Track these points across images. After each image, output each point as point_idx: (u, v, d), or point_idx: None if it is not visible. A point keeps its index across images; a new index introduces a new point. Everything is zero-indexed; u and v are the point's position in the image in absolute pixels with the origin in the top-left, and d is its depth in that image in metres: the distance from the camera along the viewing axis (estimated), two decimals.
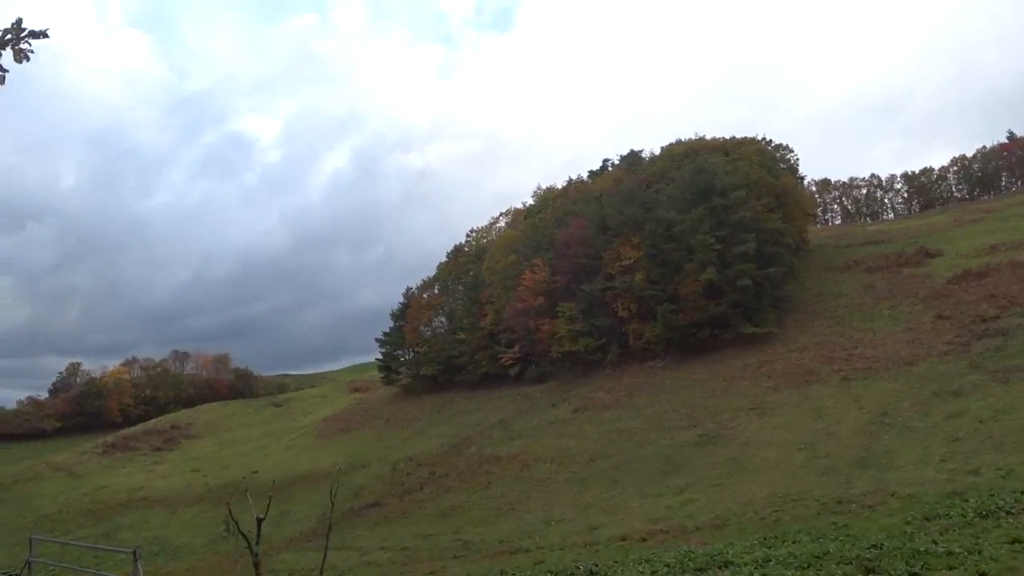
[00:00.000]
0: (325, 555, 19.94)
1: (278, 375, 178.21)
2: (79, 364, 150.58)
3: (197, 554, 53.09)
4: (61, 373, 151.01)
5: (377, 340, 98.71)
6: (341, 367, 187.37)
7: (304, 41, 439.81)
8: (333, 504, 28.73)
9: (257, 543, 14.88)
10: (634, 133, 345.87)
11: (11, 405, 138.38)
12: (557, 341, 72.36)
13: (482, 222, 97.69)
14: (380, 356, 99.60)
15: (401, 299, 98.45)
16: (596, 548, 30.10)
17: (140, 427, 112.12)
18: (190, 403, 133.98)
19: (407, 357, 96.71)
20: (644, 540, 30.28)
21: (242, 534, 14.94)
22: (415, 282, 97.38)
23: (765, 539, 21.39)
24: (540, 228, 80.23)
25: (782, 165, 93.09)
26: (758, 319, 66.84)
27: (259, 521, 14.84)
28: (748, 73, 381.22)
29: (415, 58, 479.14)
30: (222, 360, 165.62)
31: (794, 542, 19.79)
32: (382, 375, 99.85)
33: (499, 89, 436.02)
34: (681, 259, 69.18)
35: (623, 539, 31.41)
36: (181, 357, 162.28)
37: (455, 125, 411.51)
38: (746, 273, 66.73)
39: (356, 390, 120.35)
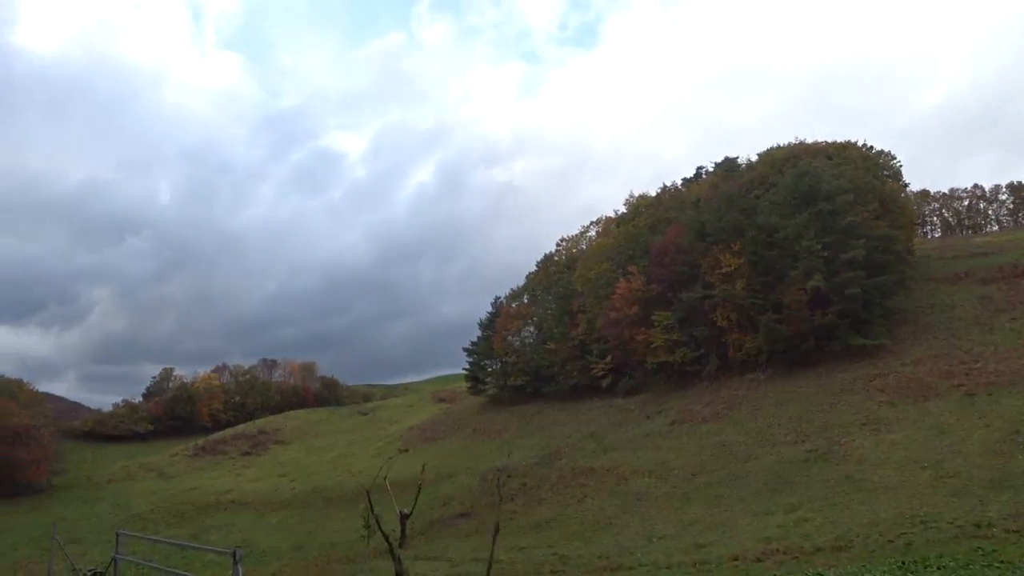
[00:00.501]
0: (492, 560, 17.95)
1: (363, 385, 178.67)
2: (172, 369, 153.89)
3: (283, 559, 52.11)
4: (155, 378, 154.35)
5: (465, 349, 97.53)
6: (424, 378, 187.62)
7: (391, 59, 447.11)
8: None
9: (402, 542, 13.03)
10: (718, 145, 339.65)
11: (108, 408, 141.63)
12: (652, 351, 69.59)
13: (567, 235, 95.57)
14: (467, 366, 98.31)
15: (489, 309, 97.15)
16: (707, 568, 27.76)
17: (229, 431, 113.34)
18: (277, 410, 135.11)
19: (494, 367, 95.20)
20: (759, 561, 27.78)
21: (382, 533, 13.01)
22: (498, 296, 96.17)
23: (903, 564, 19.59)
24: (634, 235, 77.76)
25: (885, 172, 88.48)
26: (867, 330, 62.91)
27: (403, 517, 12.93)
28: (836, 85, 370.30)
29: (500, 75, 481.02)
30: (309, 368, 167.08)
31: (939, 568, 18.20)
32: (469, 385, 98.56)
33: (583, 104, 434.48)
34: (785, 266, 65.74)
35: (735, 559, 28.86)
36: (269, 365, 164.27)
37: (539, 140, 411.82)
38: (855, 281, 62.93)
39: (441, 400, 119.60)
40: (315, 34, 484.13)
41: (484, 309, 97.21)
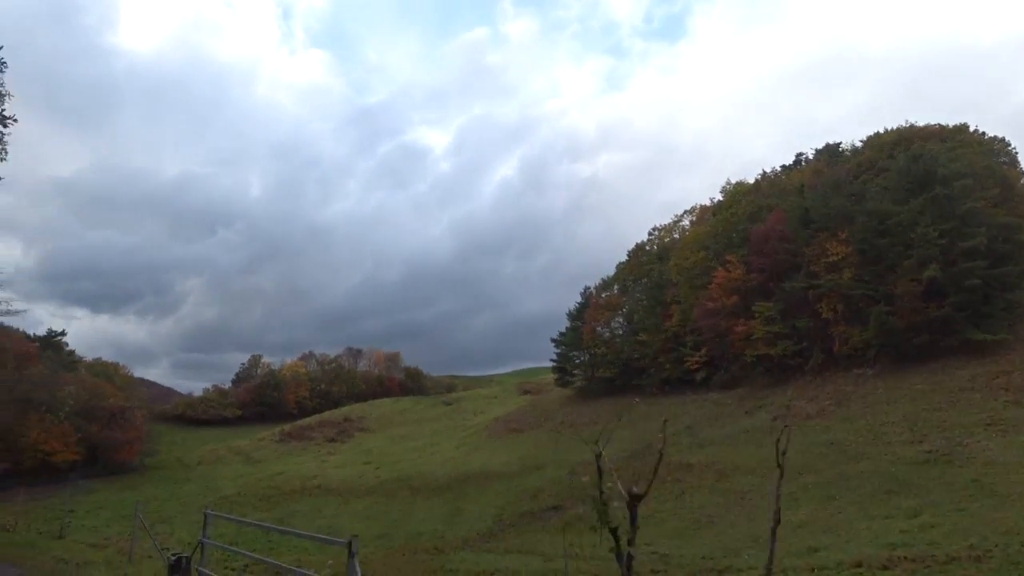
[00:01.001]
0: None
1: (447, 376, 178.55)
2: (260, 356, 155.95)
3: (368, 546, 50.80)
4: (243, 364, 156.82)
5: (553, 340, 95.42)
6: (506, 371, 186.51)
7: (476, 53, 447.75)
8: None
9: (633, 530, 10.88)
10: (807, 136, 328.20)
11: (198, 393, 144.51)
12: (751, 344, 66.08)
13: (659, 224, 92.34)
14: (554, 357, 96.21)
15: (577, 300, 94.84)
16: (826, 574, 25.10)
17: (315, 418, 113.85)
18: (362, 398, 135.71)
19: (582, 359, 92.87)
20: (886, 568, 24.86)
21: (610, 531, 10.81)
22: (579, 292, 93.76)
23: None
24: (732, 223, 74.27)
25: (1003, 159, 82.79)
26: (987, 325, 58.25)
27: (634, 501, 10.72)
28: (932, 72, 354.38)
29: (584, 69, 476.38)
30: (393, 358, 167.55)
31: None
32: (556, 377, 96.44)
33: (668, 97, 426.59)
34: (897, 255, 61.52)
35: (858, 565, 25.96)
36: (354, 354, 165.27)
37: (624, 134, 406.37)
38: (974, 272, 58.43)
39: (526, 392, 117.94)
40: (401, 30, 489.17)
41: (566, 304, 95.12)
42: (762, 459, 49.84)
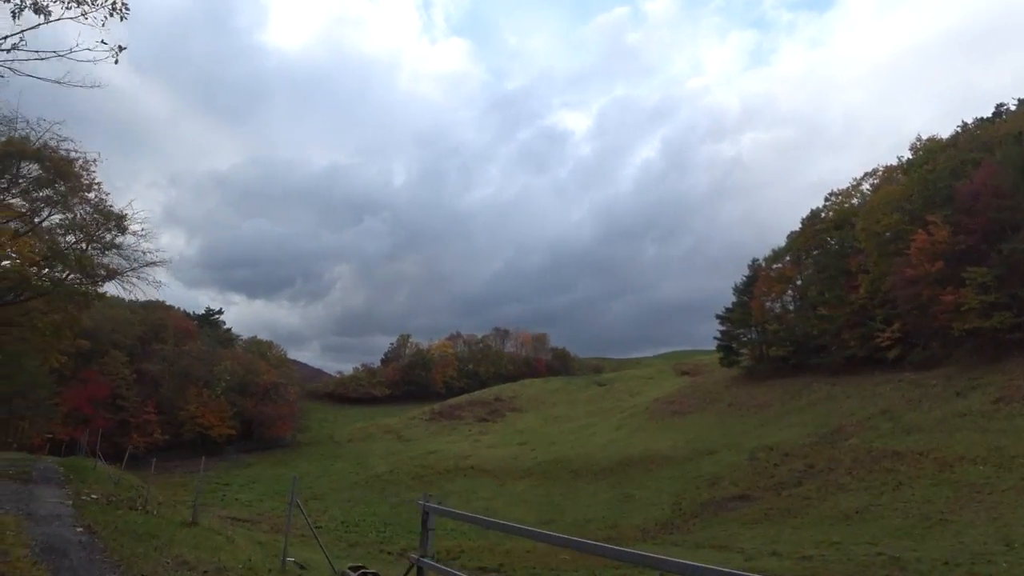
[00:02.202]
0: None
1: (593, 357, 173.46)
2: (408, 336, 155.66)
3: None
4: (392, 344, 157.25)
5: (718, 317, 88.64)
6: (647, 355, 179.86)
7: (616, 34, 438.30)
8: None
9: None
10: (969, 108, 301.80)
11: (346, 374, 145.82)
12: (961, 316, 57.33)
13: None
14: (717, 335, 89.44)
15: (745, 272, 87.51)
16: None
17: (465, 397, 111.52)
18: (509, 379, 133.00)
19: (750, 337, 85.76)
20: None
21: None
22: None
23: None
24: (930, 181, 65.27)
25: None
26: None
27: None
28: None
29: (728, 44, 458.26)
30: (541, 340, 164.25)
31: None
32: (720, 356, 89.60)
33: (816, 71, 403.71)
34: None
35: None
36: (502, 335, 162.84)
37: (769, 112, 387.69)
38: None
39: (684, 373, 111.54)
40: (540, 14, 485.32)
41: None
42: (992, 447, 42.38)
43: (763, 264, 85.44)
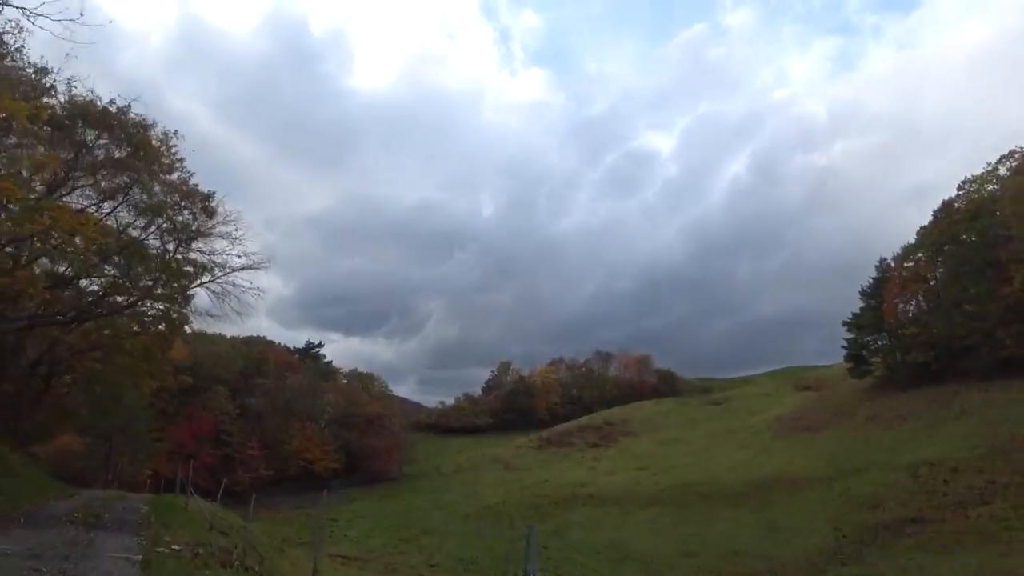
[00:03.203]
0: None
1: (699, 378, 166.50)
2: (510, 364, 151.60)
3: (678, 568, 41.90)
4: (493, 372, 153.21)
5: (844, 324, 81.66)
6: (753, 374, 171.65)
7: (696, 51, 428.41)
8: None
9: None
10: None
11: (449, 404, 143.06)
12: None
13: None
14: (845, 343, 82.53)
15: (873, 274, 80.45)
16: None
17: (574, 423, 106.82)
18: (614, 403, 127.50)
19: (881, 343, 78.72)
20: None
21: None
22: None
23: None
24: None
25: None
26: None
27: None
28: None
29: (811, 52, 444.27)
30: (645, 361, 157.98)
31: None
32: (849, 366, 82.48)
33: (907, 73, 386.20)
34: None
35: None
36: (604, 358, 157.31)
37: (859, 117, 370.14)
38: None
39: (806, 388, 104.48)
40: (618, 37, 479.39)
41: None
42: None
43: (892, 263, 78.37)
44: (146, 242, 27.91)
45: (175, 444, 70.43)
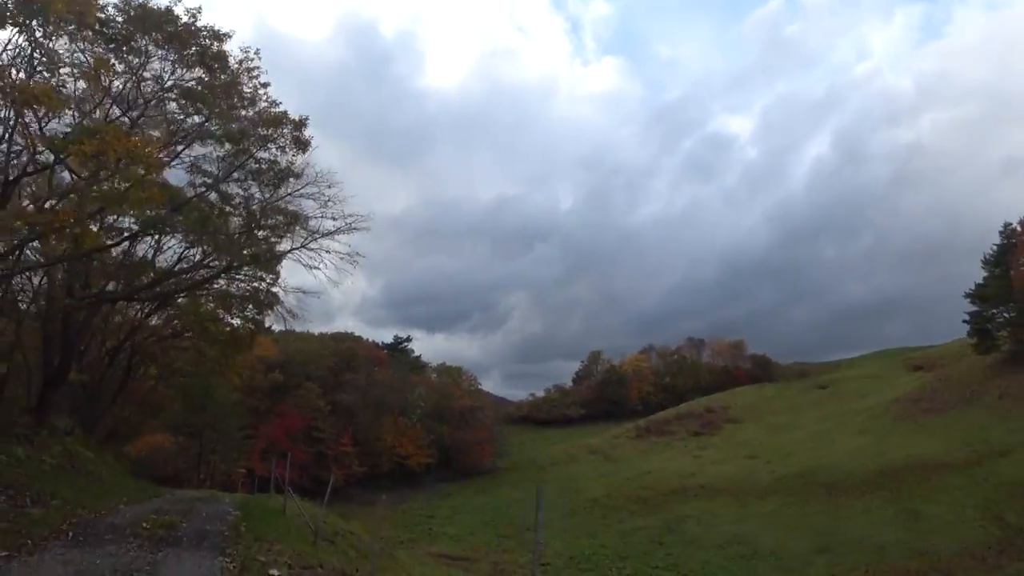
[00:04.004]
0: None
1: (794, 363, 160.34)
2: (600, 352, 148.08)
3: (813, 565, 38.16)
4: (583, 362, 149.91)
5: (967, 295, 75.66)
6: (845, 357, 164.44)
7: (773, 28, 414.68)
8: None
9: None
10: None
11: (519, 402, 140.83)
12: None
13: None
14: (967, 317, 76.60)
15: (997, 240, 74.23)
16: None
17: (672, 411, 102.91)
18: (708, 391, 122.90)
19: (1007, 315, 72.69)
20: None
21: None
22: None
23: None
24: None
25: None
26: None
27: None
28: None
29: (894, 21, 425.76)
30: (738, 347, 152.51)
31: None
32: (974, 342, 76.43)
33: (998, 37, 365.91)
34: None
35: None
36: (696, 344, 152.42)
37: (948, 87, 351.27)
38: None
39: (918, 368, 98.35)
40: (690, 20, 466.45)
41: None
42: None
43: (1019, 228, 72.15)
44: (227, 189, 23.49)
45: (268, 441, 69.28)
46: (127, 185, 15.11)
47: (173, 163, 21.67)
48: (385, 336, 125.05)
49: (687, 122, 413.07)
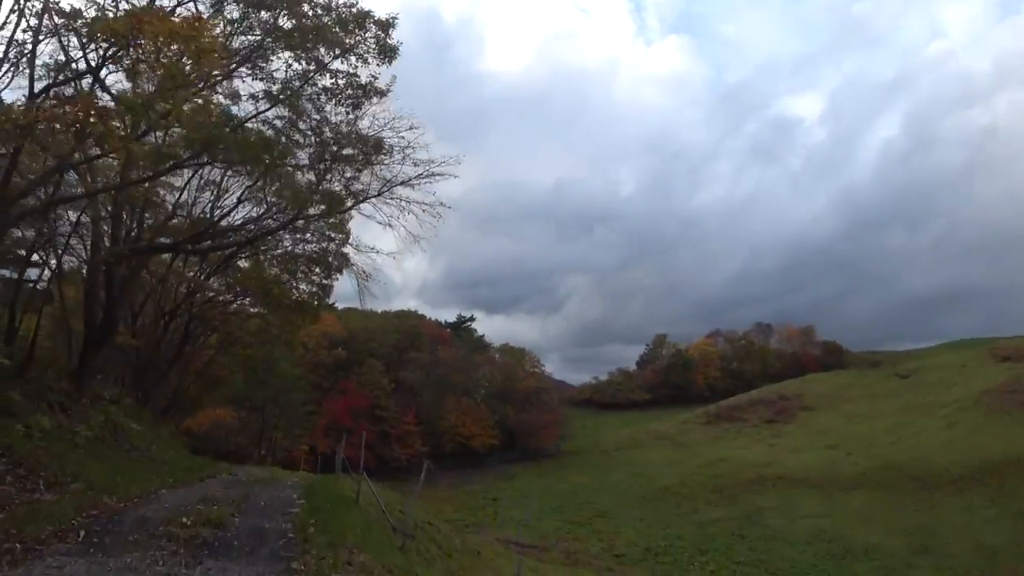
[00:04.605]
0: None
1: (867, 352, 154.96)
2: (665, 336, 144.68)
3: (916, 567, 35.26)
4: (648, 345, 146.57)
5: None
6: (918, 347, 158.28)
7: (841, 6, 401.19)
8: None
9: None
10: None
11: (579, 385, 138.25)
12: None
13: None
14: None
15: None
16: None
17: (744, 397, 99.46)
18: (776, 378, 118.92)
19: None
20: None
21: None
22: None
23: None
24: None
25: None
26: None
27: None
28: None
29: None
30: (808, 333, 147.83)
31: None
32: None
33: None
34: None
35: None
36: (764, 330, 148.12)
37: None
38: None
39: (1005, 358, 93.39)
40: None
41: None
42: None
43: None
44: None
45: (330, 418, 68.16)
46: (175, 82, 11.72)
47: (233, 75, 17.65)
48: (446, 317, 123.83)
49: (751, 104, 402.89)
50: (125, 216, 21.73)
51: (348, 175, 20.00)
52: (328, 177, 19.97)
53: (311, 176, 20.21)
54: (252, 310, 31.94)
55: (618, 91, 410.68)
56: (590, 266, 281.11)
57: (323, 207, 20.73)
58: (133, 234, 22.00)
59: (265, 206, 23.09)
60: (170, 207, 25.61)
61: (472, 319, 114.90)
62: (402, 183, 20.20)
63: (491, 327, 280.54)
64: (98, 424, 16.30)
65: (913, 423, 69.58)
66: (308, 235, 24.87)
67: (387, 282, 27.00)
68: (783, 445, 71.39)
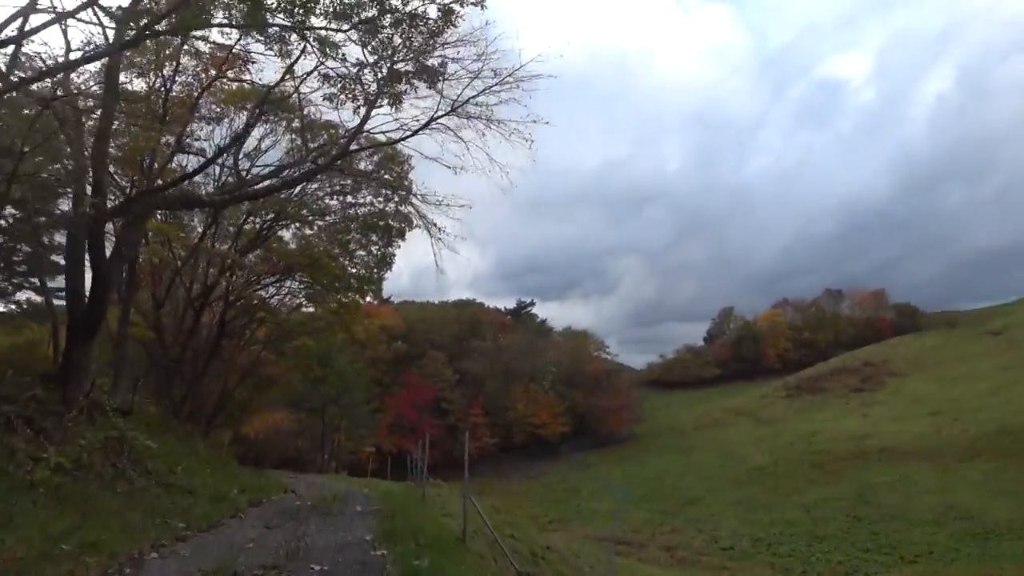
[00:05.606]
0: None
1: (940, 312, 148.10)
2: (731, 309, 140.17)
3: None
4: (714, 320, 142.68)
5: None
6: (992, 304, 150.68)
7: None
8: None
9: None
10: None
11: (638, 367, 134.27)
12: None
13: None
14: None
15: None
16: None
17: (824, 366, 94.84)
18: (850, 345, 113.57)
19: None
20: None
21: None
22: None
23: None
24: None
25: None
26: None
27: None
28: None
29: None
30: (880, 297, 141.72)
31: None
32: None
33: None
34: None
35: None
36: (834, 296, 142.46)
37: None
38: None
39: None
40: None
41: None
42: None
43: None
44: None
45: (394, 416, 65.34)
46: None
47: None
48: (502, 306, 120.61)
49: (796, 68, 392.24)
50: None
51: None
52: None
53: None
54: (300, 295, 28.25)
55: (659, 67, 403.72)
56: (641, 246, 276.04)
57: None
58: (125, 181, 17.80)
59: (304, 149, 18.73)
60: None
61: (532, 304, 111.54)
62: (483, 92, 15.96)
63: (545, 314, 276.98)
64: (91, 445, 11.74)
65: (1019, 383, 64.34)
66: (360, 195, 21.04)
67: (466, 234, 22.26)
68: (879, 414, 66.58)
